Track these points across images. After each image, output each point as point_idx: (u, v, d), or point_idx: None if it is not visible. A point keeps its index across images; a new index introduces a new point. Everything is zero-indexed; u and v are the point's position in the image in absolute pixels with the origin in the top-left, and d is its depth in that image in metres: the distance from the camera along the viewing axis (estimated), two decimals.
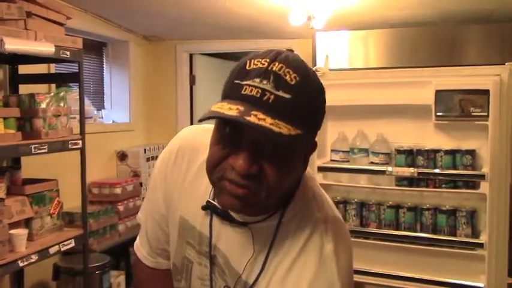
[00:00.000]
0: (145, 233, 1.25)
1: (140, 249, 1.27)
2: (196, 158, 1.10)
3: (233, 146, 0.90)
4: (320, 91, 0.93)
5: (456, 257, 2.80)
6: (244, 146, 0.88)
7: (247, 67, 0.88)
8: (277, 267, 0.99)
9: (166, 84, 5.03)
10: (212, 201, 1.03)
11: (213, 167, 0.93)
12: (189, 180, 1.10)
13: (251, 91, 0.85)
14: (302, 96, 0.87)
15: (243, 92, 0.86)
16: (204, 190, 1.07)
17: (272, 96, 0.85)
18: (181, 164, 1.12)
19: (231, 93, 0.88)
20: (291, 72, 0.87)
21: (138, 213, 1.27)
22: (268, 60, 0.88)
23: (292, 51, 0.93)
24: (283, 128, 0.84)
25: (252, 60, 0.89)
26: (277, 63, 0.87)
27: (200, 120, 0.89)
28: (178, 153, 1.13)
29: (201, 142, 1.08)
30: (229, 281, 1.06)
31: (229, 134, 0.90)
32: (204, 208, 1.05)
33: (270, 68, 0.86)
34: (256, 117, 0.83)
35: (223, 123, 0.91)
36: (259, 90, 0.85)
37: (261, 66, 0.87)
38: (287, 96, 0.85)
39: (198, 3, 3.66)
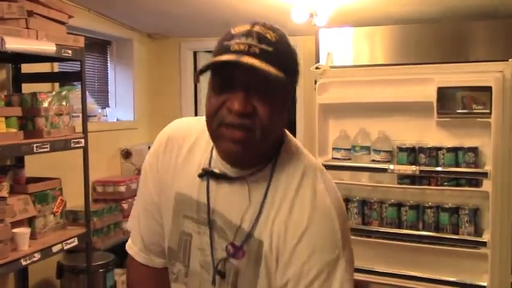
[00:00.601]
0: (138, 230, 1.28)
1: (132, 247, 1.30)
2: (185, 142, 1.21)
3: (228, 92, 1.02)
4: (294, 51, 1.08)
5: (459, 255, 2.79)
6: (238, 88, 1.01)
7: (232, 32, 1.03)
8: (277, 211, 1.08)
9: (170, 82, 5.03)
10: (208, 168, 1.13)
11: (212, 116, 1.05)
12: (181, 160, 1.19)
13: (239, 47, 0.99)
14: (282, 50, 1.02)
15: (231, 49, 0.99)
16: (197, 164, 1.16)
17: (257, 49, 0.99)
18: (172, 150, 1.21)
19: (220, 51, 1.01)
20: (271, 32, 1.02)
21: (128, 222, 1.32)
22: (249, 24, 1.03)
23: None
24: (271, 71, 0.98)
25: (236, 27, 1.03)
26: (257, 26, 1.02)
27: (200, 71, 1.02)
28: (167, 142, 1.22)
29: (189, 128, 1.22)
30: (230, 236, 1.11)
31: (223, 81, 1.03)
32: (200, 176, 1.14)
33: (252, 29, 1.01)
34: (249, 60, 0.97)
35: (218, 74, 1.04)
36: (246, 45, 0.99)
37: (244, 29, 1.02)
38: (270, 49, 1.00)
39: (202, 1, 3.65)
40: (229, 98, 1.02)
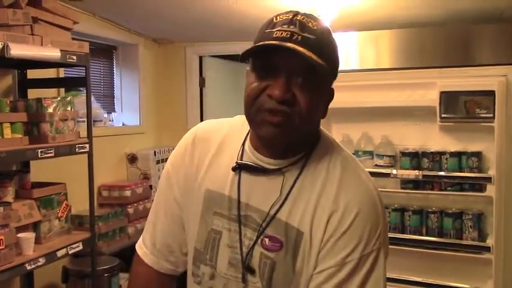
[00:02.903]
0: (152, 231, 1.28)
1: (142, 247, 1.30)
2: (214, 139, 1.21)
3: (269, 78, 1.04)
4: (335, 43, 1.09)
5: (462, 260, 2.78)
6: (280, 74, 1.03)
7: (274, 20, 1.05)
8: (318, 200, 1.08)
9: (176, 86, 5.05)
10: (242, 161, 1.14)
11: (252, 102, 1.06)
12: (211, 157, 1.20)
13: (281, 34, 1.01)
14: (324, 38, 1.04)
15: (274, 35, 1.01)
16: (229, 159, 1.17)
17: (300, 37, 1.00)
18: (201, 149, 1.22)
19: (263, 38, 1.03)
20: (313, 22, 1.04)
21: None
22: (292, 13, 1.04)
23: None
24: (313, 57, 0.99)
25: (278, 16, 1.05)
26: (299, 15, 1.04)
27: (242, 56, 1.04)
28: (194, 141, 1.23)
29: (216, 126, 1.24)
30: (265, 227, 1.10)
31: (265, 67, 1.05)
32: (234, 169, 1.14)
33: (294, 18, 1.03)
34: (291, 45, 0.98)
35: (259, 60, 1.06)
36: (289, 33, 1.00)
37: (286, 17, 1.03)
38: (312, 37, 1.01)
39: (207, 5, 3.67)
40: (270, 84, 1.03)
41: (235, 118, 1.25)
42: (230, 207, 1.14)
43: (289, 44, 0.99)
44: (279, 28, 1.01)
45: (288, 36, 1.00)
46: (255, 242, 1.11)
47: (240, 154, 1.16)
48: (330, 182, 1.09)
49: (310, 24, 1.02)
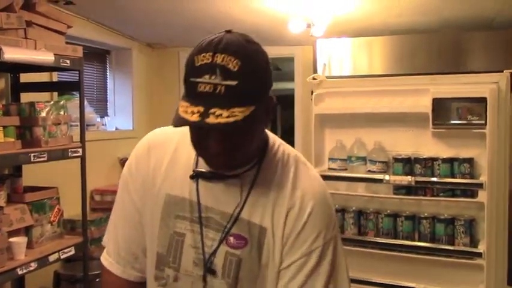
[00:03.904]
0: (114, 240, 1.29)
1: (107, 258, 1.30)
2: (168, 145, 1.25)
3: (204, 136, 1.08)
4: (261, 63, 1.09)
5: (454, 266, 2.79)
6: (211, 134, 1.07)
7: (196, 64, 1.04)
8: (276, 197, 1.15)
9: (169, 91, 5.05)
10: (198, 170, 1.19)
11: (195, 145, 1.12)
12: (167, 162, 1.24)
13: (205, 88, 1.02)
14: (247, 78, 1.03)
15: (199, 90, 1.02)
16: (185, 164, 1.22)
17: (223, 88, 1.01)
18: (156, 155, 1.25)
19: (190, 91, 1.05)
20: (233, 59, 1.02)
21: (103, 238, 1.34)
22: (211, 53, 1.03)
23: (230, 31, 1.08)
24: (238, 114, 1.01)
25: (199, 56, 1.04)
26: (219, 55, 1.02)
27: (175, 126, 1.05)
28: (149, 148, 1.27)
29: (168, 134, 1.27)
30: (228, 227, 1.16)
31: (196, 129, 1.09)
32: (192, 177, 1.19)
33: (214, 62, 1.02)
34: (214, 115, 1.00)
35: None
36: (211, 86, 1.01)
37: (206, 61, 1.03)
38: (234, 83, 1.01)
39: (200, 10, 3.68)
40: (204, 138, 1.08)
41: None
42: (192, 210, 1.19)
43: (210, 120, 0.99)
44: (202, 80, 1.02)
45: (211, 90, 1.01)
46: (221, 242, 1.16)
47: (195, 162, 1.20)
48: (285, 179, 1.17)
49: (230, 66, 1.02)
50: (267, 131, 1.23)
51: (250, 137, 1.11)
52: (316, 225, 1.14)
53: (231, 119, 1.00)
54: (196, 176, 1.18)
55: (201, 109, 1.01)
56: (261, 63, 1.09)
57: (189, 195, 1.19)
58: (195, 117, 1.01)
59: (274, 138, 1.25)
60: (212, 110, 1.00)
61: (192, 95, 1.04)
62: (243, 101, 1.02)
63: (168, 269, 1.20)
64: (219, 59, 1.02)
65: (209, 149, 1.08)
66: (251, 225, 1.15)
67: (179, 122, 1.03)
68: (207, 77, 1.02)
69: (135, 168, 1.27)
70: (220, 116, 1.00)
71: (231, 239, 1.15)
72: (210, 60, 1.02)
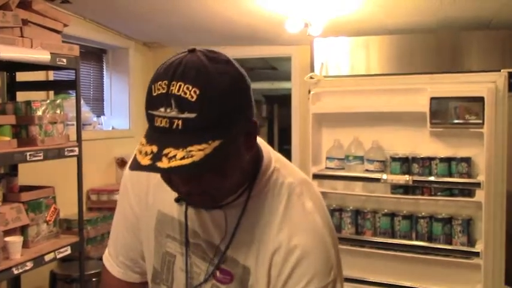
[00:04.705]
0: (115, 246, 1.26)
1: (109, 258, 1.28)
2: None
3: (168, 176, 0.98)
4: (229, 86, 0.92)
5: (452, 265, 2.78)
6: (172, 176, 0.96)
7: (153, 93, 0.91)
8: (262, 235, 1.03)
9: None
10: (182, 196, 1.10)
11: (167, 184, 1.00)
12: (158, 178, 1.10)
13: (161, 122, 0.89)
14: (208, 107, 0.88)
15: (155, 124, 0.90)
16: None
17: (180, 122, 0.88)
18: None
19: (149, 124, 0.93)
20: (190, 88, 0.88)
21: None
22: (167, 81, 0.89)
23: (193, 51, 0.93)
24: (196, 154, 0.87)
25: (155, 85, 0.90)
26: (175, 83, 0.88)
27: (130, 169, 0.93)
28: None
29: None
30: (213, 260, 1.09)
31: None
32: (177, 200, 1.10)
33: (170, 92, 0.88)
34: (167, 158, 0.87)
35: None
36: (167, 120, 0.88)
37: (162, 91, 0.89)
38: (193, 115, 0.87)
39: (197, 10, 3.67)
40: (173, 178, 0.97)
41: None
42: (181, 232, 1.11)
43: (163, 164, 0.87)
44: (157, 113, 0.89)
45: (168, 125, 0.88)
46: (208, 276, 1.09)
47: None
48: (273, 213, 1.03)
49: (187, 95, 0.87)
50: (263, 147, 1.09)
51: (222, 175, 0.96)
52: (306, 273, 0.99)
53: (186, 161, 0.87)
54: (181, 199, 1.09)
55: (155, 149, 0.89)
56: (229, 86, 0.91)
57: (178, 216, 1.12)
58: (146, 160, 0.89)
59: (269, 160, 1.08)
60: (166, 151, 0.88)
61: (151, 129, 0.92)
62: (205, 136, 0.88)
63: (163, 285, 1.17)
64: (175, 88, 0.88)
65: (179, 188, 0.97)
66: (235, 263, 1.06)
67: (131, 165, 0.92)
68: (162, 110, 0.89)
69: (134, 175, 1.19)
70: (173, 158, 0.87)
71: (218, 273, 1.08)
72: (166, 90, 0.89)
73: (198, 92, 0.87)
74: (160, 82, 0.90)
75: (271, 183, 1.06)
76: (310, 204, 1.04)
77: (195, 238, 1.10)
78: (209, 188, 0.97)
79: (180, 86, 0.88)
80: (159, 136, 0.90)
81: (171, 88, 0.88)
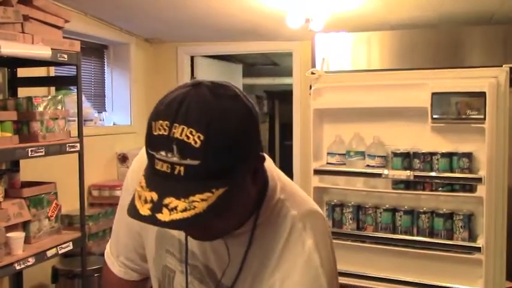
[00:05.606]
0: (116, 245, 1.26)
1: (110, 256, 1.28)
2: None
3: None
4: (237, 126, 0.86)
5: (453, 261, 2.79)
6: None
7: (153, 132, 0.85)
8: (260, 268, 0.99)
9: (167, 86, 4.87)
10: None
11: None
12: None
13: (162, 166, 0.84)
14: (212, 156, 0.82)
15: (156, 167, 0.85)
16: None
17: (182, 168, 0.82)
18: None
19: (149, 163, 0.87)
20: (194, 132, 0.82)
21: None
22: (168, 123, 0.83)
23: (198, 84, 0.87)
24: (199, 205, 0.82)
25: (156, 123, 0.84)
26: (177, 125, 0.82)
27: (128, 215, 0.88)
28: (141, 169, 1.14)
29: None
30: (211, 286, 1.06)
31: None
32: None
33: (171, 135, 0.82)
34: (168, 209, 0.82)
35: None
36: (169, 165, 0.83)
37: (164, 133, 0.83)
38: (196, 162, 0.82)
39: (199, 6, 3.66)
40: None
41: None
42: (180, 250, 1.08)
43: (163, 216, 0.82)
44: (159, 156, 0.83)
45: (169, 171, 0.82)
46: None
47: None
48: (273, 250, 0.98)
49: (190, 140, 0.81)
50: (268, 170, 1.02)
51: (227, 217, 0.90)
52: None
53: (188, 214, 0.81)
54: None
55: (155, 197, 0.83)
56: (236, 128, 0.85)
57: (178, 234, 1.07)
58: (145, 210, 0.83)
59: (274, 187, 1.02)
60: (166, 201, 0.82)
61: (151, 170, 0.86)
62: (209, 184, 0.83)
63: None
64: (177, 131, 0.82)
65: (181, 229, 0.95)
66: None
67: (130, 211, 0.86)
68: (163, 153, 0.83)
69: (136, 174, 1.18)
70: (174, 210, 0.81)
71: None
72: (167, 132, 0.82)
73: (202, 137, 0.81)
74: (161, 122, 0.83)
75: (274, 214, 1.00)
76: (310, 242, 0.98)
77: (193, 260, 1.06)
78: (212, 230, 0.93)
79: (182, 129, 0.82)
80: (160, 181, 0.84)
81: (173, 131, 0.82)
